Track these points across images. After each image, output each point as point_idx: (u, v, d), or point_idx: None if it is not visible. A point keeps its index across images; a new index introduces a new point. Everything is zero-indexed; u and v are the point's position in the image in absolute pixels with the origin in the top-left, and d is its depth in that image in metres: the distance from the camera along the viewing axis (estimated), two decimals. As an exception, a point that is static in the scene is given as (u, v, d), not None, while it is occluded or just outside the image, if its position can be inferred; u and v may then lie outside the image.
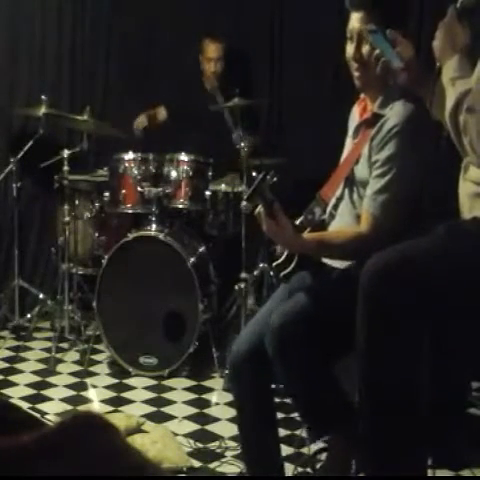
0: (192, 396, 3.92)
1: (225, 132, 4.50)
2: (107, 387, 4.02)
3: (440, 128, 2.22)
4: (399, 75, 2.32)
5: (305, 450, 3.09)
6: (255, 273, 4.37)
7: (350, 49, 2.52)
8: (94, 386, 4.04)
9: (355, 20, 2.50)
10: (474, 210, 2.16)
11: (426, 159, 2.53)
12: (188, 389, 4.00)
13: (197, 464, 3.18)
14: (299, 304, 2.44)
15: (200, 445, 3.36)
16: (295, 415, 3.39)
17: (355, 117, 2.67)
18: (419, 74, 2.30)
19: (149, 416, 3.61)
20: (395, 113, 2.46)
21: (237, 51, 4.96)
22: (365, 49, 2.48)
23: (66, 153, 4.37)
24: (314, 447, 3.06)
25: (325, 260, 2.58)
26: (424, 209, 2.58)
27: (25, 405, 3.67)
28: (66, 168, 4.37)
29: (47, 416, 3.56)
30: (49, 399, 3.85)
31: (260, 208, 2.35)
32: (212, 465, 3.19)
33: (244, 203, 3.93)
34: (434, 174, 2.64)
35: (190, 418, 3.65)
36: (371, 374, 2.10)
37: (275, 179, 2.39)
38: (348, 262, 2.51)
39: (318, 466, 2.95)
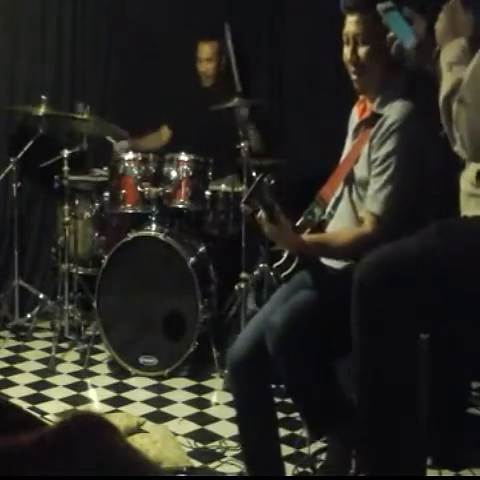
0: (192, 396, 3.91)
1: (225, 132, 4.50)
2: (107, 387, 4.02)
3: (441, 126, 2.21)
4: (412, 54, 2.25)
5: (305, 450, 3.09)
6: (255, 273, 4.36)
7: (347, 52, 2.52)
8: (94, 386, 4.04)
9: (350, 23, 2.50)
10: (467, 209, 2.16)
11: (425, 158, 2.53)
12: (188, 389, 4.00)
13: (197, 464, 3.18)
14: (299, 303, 2.44)
15: (200, 445, 3.36)
16: (295, 415, 3.38)
17: (354, 118, 2.67)
18: (430, 51, 2.26)
19: (149, 416, 3.61)
20: (395, 111, 2.46)
21: (236, 51, 4.95)
22: (361, 51, 2.49)
23: (66, 153, 4.37)
24: (314, 447, 3.06)
25: (323, 260, 2.58)
26: (423, 208, 2.58)
27: (25, 405, 3.67)
28: (66, 168, 4.37)
29: (47, 416, 3.56)
30: (49, 399, 3.84)
31: (261, 213, 2.36)
32: (212, 465, 3.19)
33: (243, 205, 3.93)
34: (434, 172, 2.63)
35: (190, 418, 3.65)
36: (368, 374, 2.10)
37: (272, 182, 2.39)
38: (345, 262, 2.51)
39: (318, 466, 2.95)
